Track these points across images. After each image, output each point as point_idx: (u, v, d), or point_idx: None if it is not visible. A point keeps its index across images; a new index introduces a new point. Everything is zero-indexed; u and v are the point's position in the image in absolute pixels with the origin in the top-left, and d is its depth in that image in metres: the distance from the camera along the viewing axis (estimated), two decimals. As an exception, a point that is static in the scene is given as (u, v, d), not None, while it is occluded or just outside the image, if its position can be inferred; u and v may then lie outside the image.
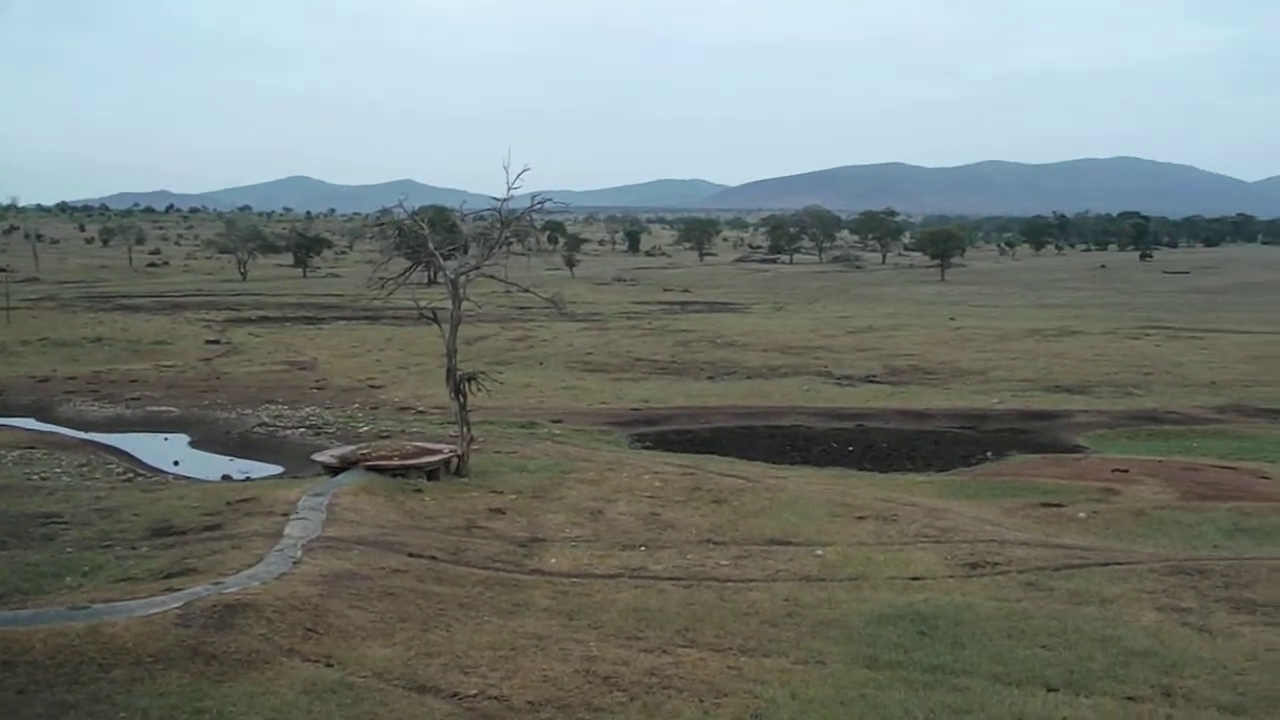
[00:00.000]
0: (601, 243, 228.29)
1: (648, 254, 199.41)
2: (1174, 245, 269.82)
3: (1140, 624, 16.39)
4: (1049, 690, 13.82)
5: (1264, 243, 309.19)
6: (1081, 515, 26.06)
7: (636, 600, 17.54)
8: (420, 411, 42.30)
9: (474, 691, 13.47)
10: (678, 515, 24.23)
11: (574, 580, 18.88)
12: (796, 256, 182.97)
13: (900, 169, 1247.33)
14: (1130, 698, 13.61)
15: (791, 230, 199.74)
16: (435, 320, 29.98)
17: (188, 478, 32.86)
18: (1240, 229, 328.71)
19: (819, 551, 20.95)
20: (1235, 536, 24.59)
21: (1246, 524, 25.86)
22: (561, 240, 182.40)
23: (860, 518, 24.13)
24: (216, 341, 66.66)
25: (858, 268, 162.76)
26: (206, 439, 39.91)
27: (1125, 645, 15.36)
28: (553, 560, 20.33)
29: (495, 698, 13.36)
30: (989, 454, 36.62)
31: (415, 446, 29.14)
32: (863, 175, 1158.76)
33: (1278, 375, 53.98)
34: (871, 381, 52.43)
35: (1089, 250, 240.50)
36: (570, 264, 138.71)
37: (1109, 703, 13.45)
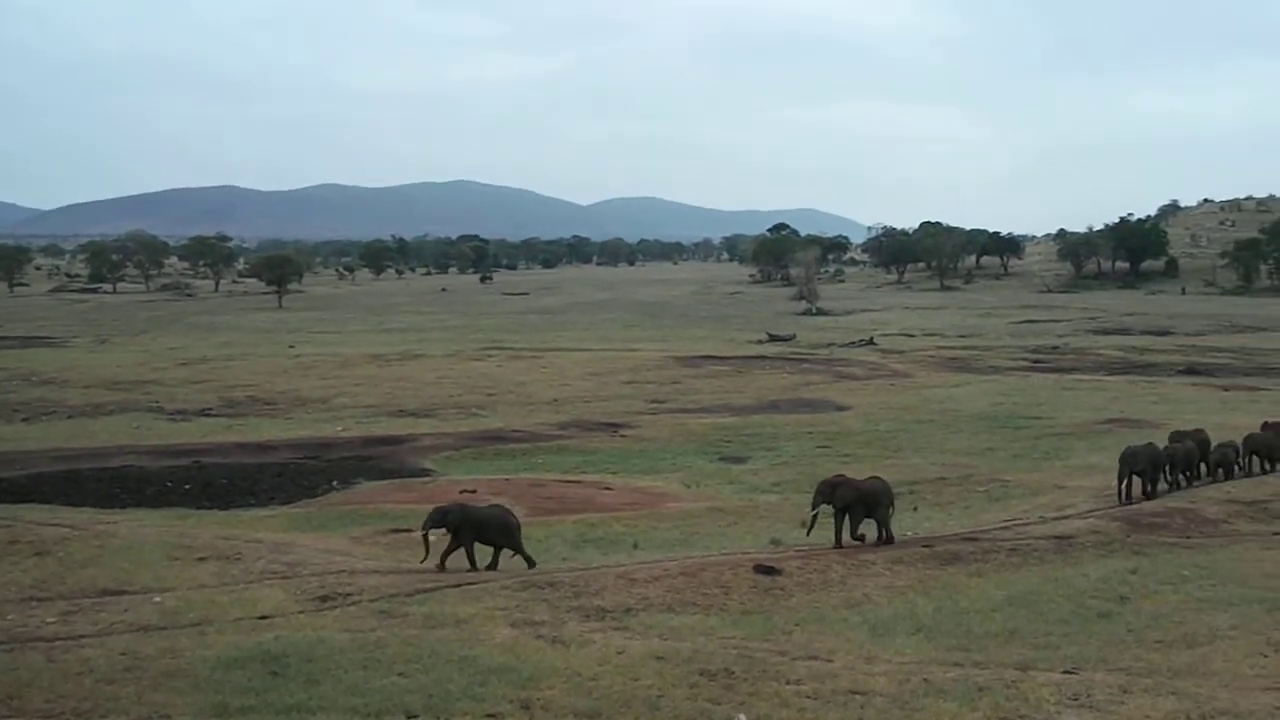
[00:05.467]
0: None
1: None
2: (513, 267, 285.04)
3: (496, 641, 16.98)
4: (409, 717, 13.99)
5: (599, 263, 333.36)
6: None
7: (-55, 673, 16.09)
8: None
9: None
10: (-9, 574, 22.52)
11: None
12: (120, 285, 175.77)
13: (233, 192, 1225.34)
14: (490, 715, 14.05)
15: (114, 257, 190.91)
16: None
17: None
18: (576, 250, 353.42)
19: (157, 598, 20.13)
20: (582, 547, 26.29)
21: (592, 534, 27.78)
22: None
23: (201, 559, 23.42)
24: None
25: (189, 296, 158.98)
26: None
27: (482, 664, 15.84)
28: None
29: None
30: (335, 483, 36.77)
31: None
32: (193, 198, 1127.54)
33: (614, 390, 58.11)
34: (207, 415, 51.23)
35: (430, 274, 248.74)
36: None
37: (469, 722, 13.84)
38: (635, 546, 26.25)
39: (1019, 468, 37.73)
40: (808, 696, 14.64)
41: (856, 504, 24.34)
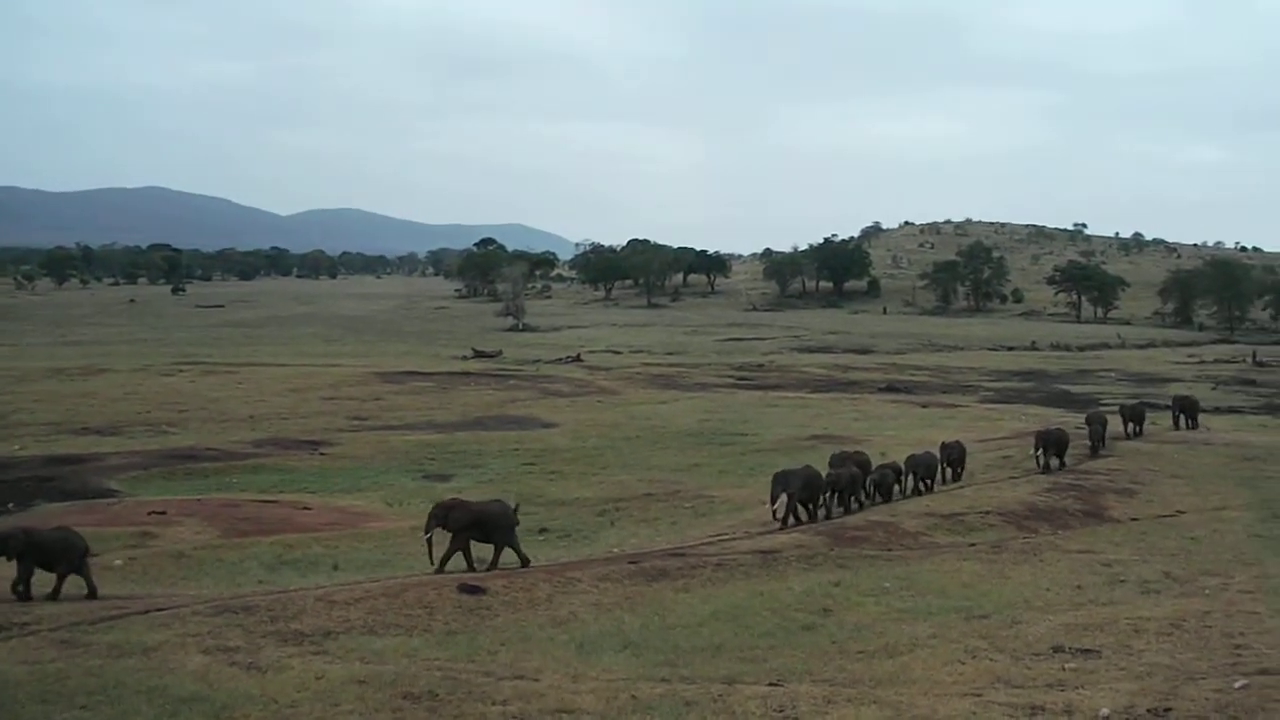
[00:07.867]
0: None
1: None
2: (208, 279, 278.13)
3: (187, 669, 16.39)
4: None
5: (299, 275, 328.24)
6: (118, 563, 25.82)
7: None
8: None
9: None
10: None
11: None
12: None
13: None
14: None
15: None
16: None
17: None
18: (275, 262, 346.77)
19: None
20: (279, 569, 25.73)
21: (290, 556, 27.19)
22: None
23: None
24: None
25: None
26: None
27: (172, 694, 15.26)
28: None
29: None
30: (10, 506, 34.96)
31: None
32: None
33: (314, 406, 57.15)
34: None
35: (117, 284, 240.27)
36: None
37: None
38: (335, 568, 25.86)
39: (725, 483, 38.59)
40: (514, 717, 14.58)
41: (472, 527, 23.97)
